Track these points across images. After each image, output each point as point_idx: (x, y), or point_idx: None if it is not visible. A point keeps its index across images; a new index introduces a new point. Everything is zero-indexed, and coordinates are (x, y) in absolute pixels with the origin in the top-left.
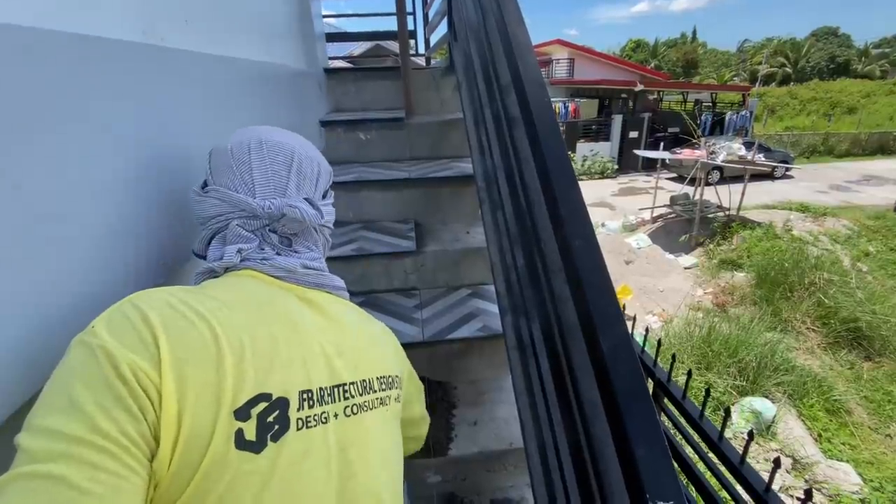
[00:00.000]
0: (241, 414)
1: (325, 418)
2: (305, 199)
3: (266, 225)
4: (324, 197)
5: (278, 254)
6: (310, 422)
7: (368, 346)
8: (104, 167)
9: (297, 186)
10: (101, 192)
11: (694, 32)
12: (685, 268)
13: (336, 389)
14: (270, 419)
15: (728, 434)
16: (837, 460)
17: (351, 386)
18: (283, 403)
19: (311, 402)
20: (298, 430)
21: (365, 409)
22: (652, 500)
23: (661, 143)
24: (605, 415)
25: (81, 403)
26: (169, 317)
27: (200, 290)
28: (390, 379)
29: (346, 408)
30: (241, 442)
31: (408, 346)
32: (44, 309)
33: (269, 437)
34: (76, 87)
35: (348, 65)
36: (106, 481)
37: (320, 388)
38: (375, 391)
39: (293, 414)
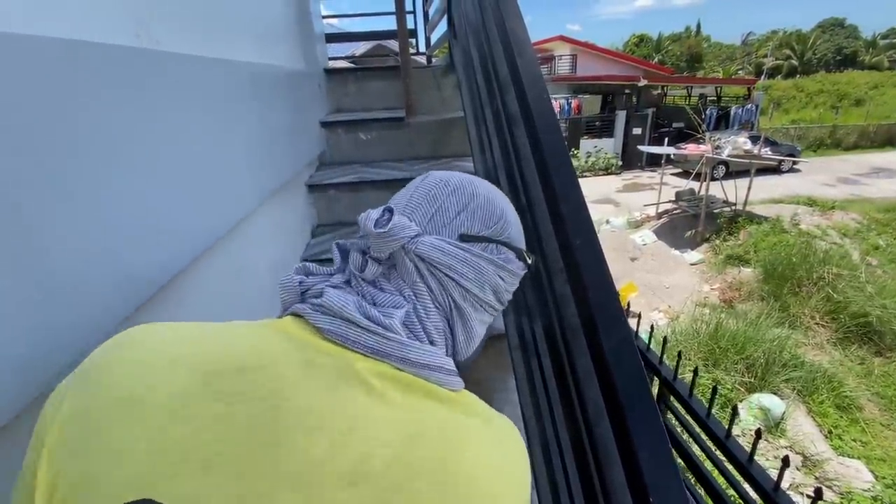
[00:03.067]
0: None
1: None
2: (388, 208)
3: (368, 245)
4: (466, 240)
5: (336, 287)
6: None
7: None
8: (95, 179)
9: (425, 213)
10: (95, 206)
11: (698, 26)
12: (691, 264)
13: None
14: None
15: (736, 431)
16: (848, 457)
17: None
18: None
19: None
20: None
21: None
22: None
23: (666, 139)
24: (607, 416)
25: None
26: (79, 383)
27: (173, 344)
28: None
29: None
30: None
31: None
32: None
33: None
34: (63, 96)
35: (350, 65)
36: None
37: None
38: None
39: None
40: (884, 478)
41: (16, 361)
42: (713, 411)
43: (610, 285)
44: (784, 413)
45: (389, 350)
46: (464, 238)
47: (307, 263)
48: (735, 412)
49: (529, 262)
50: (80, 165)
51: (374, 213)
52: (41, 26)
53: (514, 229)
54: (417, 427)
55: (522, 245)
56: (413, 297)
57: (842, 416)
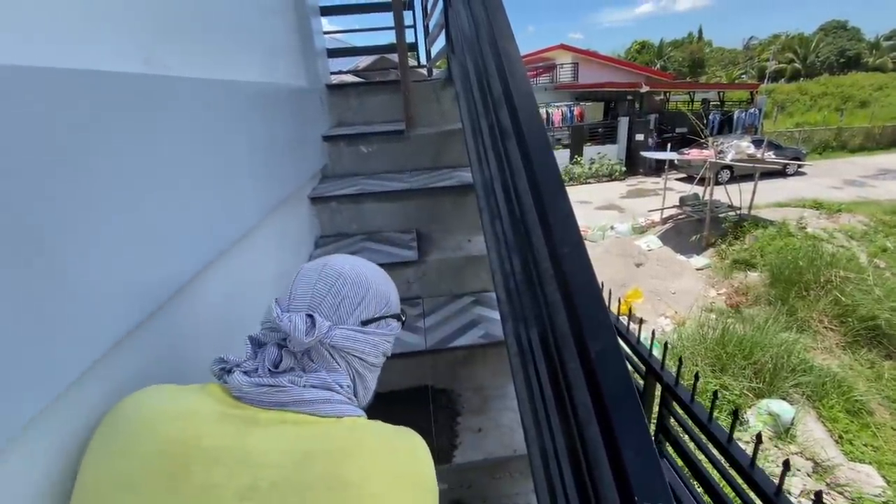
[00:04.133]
0: None
1: None
2: (308, 314)
3: (284, 338)
4: (366, 324)
5: (246, 372)
6: None
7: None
8: (108, 196)
9: (331, 306)
10: (107, 223)
11: (700, 31)
12: (697, 269)
13: None
14: None
15: (746, 437)
16: (859, 462)
17: None
18: None
19: None
20: None
21: None
22: (640, 501)
23: (669, 144)
24: (595, 418)
25: None
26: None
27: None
28: None
29: None
30: None
31: (411, 355)
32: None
33: None
34: (77, 122)
35: (354, 78)
36: None
37: None
38: None
39: None
40: (895, 482)
41: (28, 370)
42: (720, 418)
43: (596, 291)
44: (794, 418)
45: (285, 399)
46: (364, 323)
47: (222, 357)
48: (736, 416)
49: (404, 319)
50: (94, 184)
51: (300, 323)
52: (65, 59)
53: (394, 299)
54: (307, 450)
55: (398, 307)
56: (326, 372)
57: (852, 421)
